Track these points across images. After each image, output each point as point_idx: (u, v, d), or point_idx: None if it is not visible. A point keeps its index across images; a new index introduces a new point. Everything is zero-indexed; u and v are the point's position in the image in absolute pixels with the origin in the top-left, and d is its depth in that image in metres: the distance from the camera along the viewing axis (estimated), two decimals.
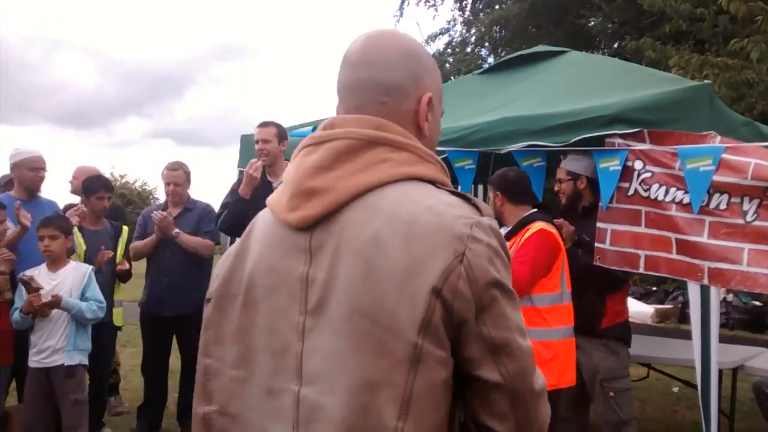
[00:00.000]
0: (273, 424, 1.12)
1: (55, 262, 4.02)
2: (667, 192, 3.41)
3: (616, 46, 13.02)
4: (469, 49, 15.87)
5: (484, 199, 7.35)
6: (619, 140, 3.54)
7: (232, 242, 5.10)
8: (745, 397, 5.46)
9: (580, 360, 3.56)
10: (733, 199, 3.20)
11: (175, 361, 5.34)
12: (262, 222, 1.25)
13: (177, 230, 4.89)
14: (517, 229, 3.39)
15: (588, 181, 3.73)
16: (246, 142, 5.08)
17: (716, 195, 3.24)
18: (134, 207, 26.11)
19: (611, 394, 3.70)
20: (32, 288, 3.83)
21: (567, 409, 3.72)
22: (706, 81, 4.37)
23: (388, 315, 1.03)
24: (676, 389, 6.21)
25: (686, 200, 3.31)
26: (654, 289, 12.24)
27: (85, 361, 3.99)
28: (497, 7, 14.83)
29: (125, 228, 4.99)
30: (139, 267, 5.15)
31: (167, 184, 5.06)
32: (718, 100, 3.75)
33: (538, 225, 3.30)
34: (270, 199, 1.24)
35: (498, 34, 14.73)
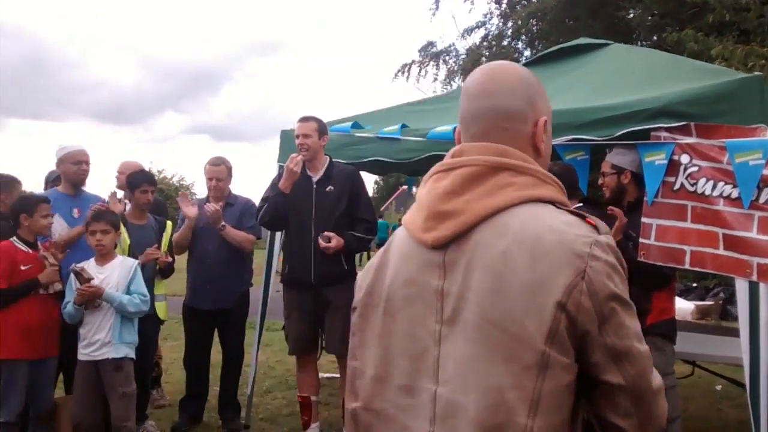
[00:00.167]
0: (412, 419, 1.26)
1: (103, 256, 4.09)
2: (714, 186, 3.34)
3: (655, 38, 12.79)
4: (505, 43, 15.71)
5: None
6: (665, 134, 3.48)
7: (271, 236, 5.16)
8: None
9: None
10: None
11: (215, 354, 5.42)
12: (398, 239, 1.39)
13: (223, 223, 4.96)
14: None
15: (632, 175, 3.67)
16: (286, 137, 5.12)
17: (766, 189, 3.17)
18: (172, 202, 26.41)
19: None
20: (83, 279, 3.91)
21: None
22: (756, 73, 4.26)
23: (516, 325, 1.17)
24: (719, 387, 6.10)
25: (734, 195, 3.24)
26: (694, 285, 12.04)
27: (132, 354, 4.06)
28: None
29: (169, 223, 5.06)
30: (181, 261, 5.23)
31: (209, 179, 5.13)
32: None
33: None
34: (405, 219, 1.38)
35: (535, 27, 14.56)
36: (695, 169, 3.40)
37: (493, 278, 1.20)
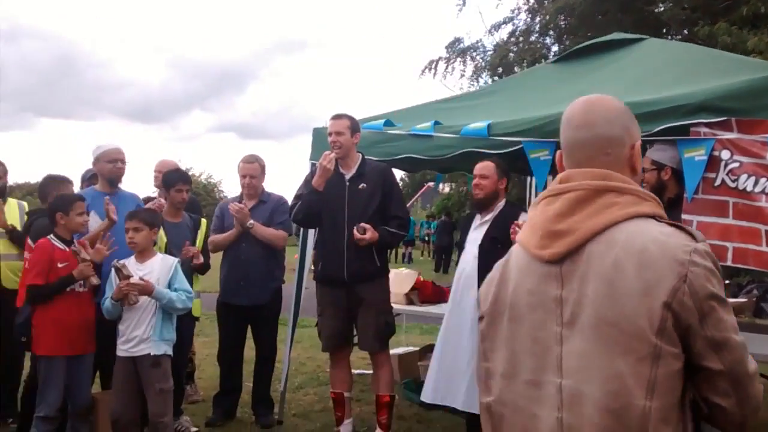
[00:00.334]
0: (540, 408, 1.49)
1: (142, 254, 4.13)
2: (756, 182, 3.28)
3: (686, 32, 12.61)
4: (533, 39, 15.59)
5: None
6: (705, 129, 3.42)
7: (304, 233, 5.18)
8: None
9: None
10: None
11: (247, 351, 5.45)
12: (515, 255, 1.61)
13: (252, 221, 4.99)
14: None
15: (673, 172, 3.61)
16: (318, 134, 5.13)
17: None
18: (200, 200, 26.63)
19: None
20: (123, 275, 3.96)
21: None
22: None
23: (631, 324, 1.38)
24: None
25: None
26: (727, 282, 11.84)
27: (170, 352, 4.09)
28: None
29: (204, 221, 5.10)
30: (214, 259, 5.27)
31: (243, 176, 5.16)
32: None
33: None
34: (520, 239, 1.60)
35: (563, 22, 14.43)
36: (736, 165, 3.34)
37: (607, 285, 1.41)
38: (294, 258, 5.71)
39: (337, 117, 4.56)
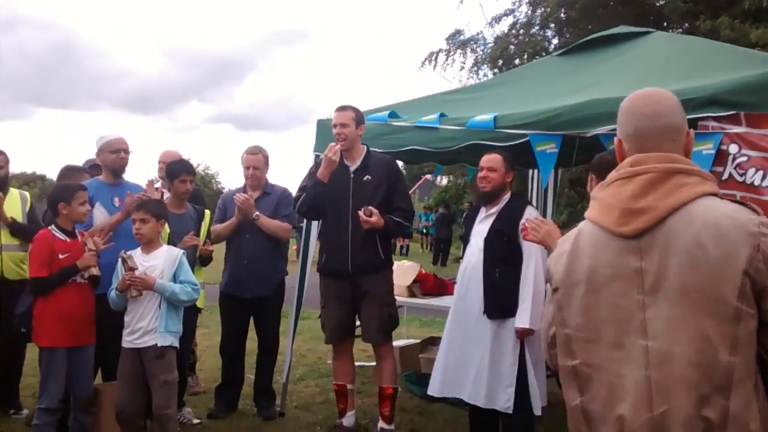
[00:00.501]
0: (625, 367, 1.67)
1: (148, 245, 4.10)
2: (764, 176, 3.26)
3: (686, 26, 12.58)
4: (533, 31, 15.54)
5: (560, 182, 7.24)
6: (713, 123, 3.40)
7: (307, 226, 5.16)
8: None
9: None
10: None
11: (248, 343, 5.44)
12: (588, 231, 1.79)
13: (257, 213, 4.97)
14: None
15: None
16: (322, 126, 5.10)
17: None
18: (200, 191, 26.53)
19: None
20: (128, 266, 3.95)
21: None
22: None
23: (713, 290, 1.58)
24: None
25: None
26: None
27: (176, 343, 4.06)
28: None
29: (207, 212, 5.07)
30: (218, 251, 5.25)
31: (246, 168, 5.14)
32: None
33: None
34: (592, 216, 1.78)
35: (564, 15, 14.38)
36: (744, 159, 3.32)
37: (690, 258, 1.60)
38: (292, 250, 5.69)
39: (341, 109, 4.55)
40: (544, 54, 14.09)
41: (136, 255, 4.06)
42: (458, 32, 17.29)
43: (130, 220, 4.16)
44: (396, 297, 4.85)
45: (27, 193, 5.27)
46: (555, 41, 15.17)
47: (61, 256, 4.02)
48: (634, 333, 1.66)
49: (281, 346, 5.45)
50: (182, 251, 4.20)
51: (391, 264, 4.75)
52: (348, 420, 4.73)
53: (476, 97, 4.96)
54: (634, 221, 1.67)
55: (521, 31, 15.70)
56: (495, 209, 4.11)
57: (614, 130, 3.60)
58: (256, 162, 5.14)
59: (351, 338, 4.78)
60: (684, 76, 3.76)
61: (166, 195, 4.87)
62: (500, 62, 15.18)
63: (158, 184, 5.08)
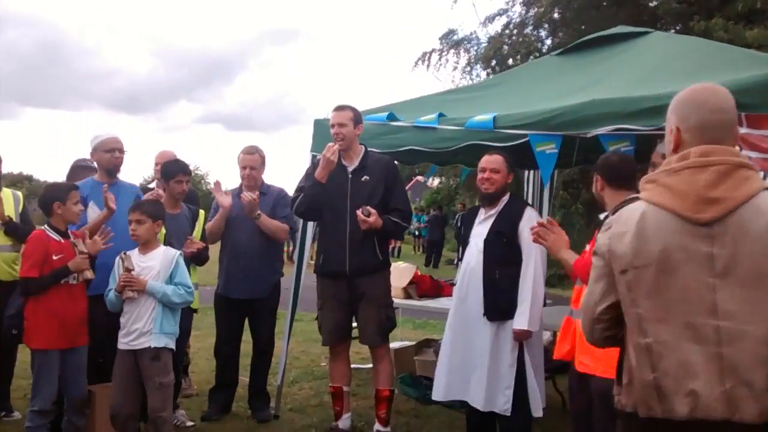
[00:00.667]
0: (695, 344, 1.79)
1: (145, 246, 4.05)
2: (765, 177, 3.25)
3: (679, 27, 12.61)
4: (527, 31, 15.54)
5: (555, 183, 7.21)
6: None
7: (304, 227, 5.12)
8: None
9: None
10: None
11: (243, 345, 5.39)
12: (654, 215, 1.86)
13: (259, 212, 4.92)
14: (612, 213, 3.28)
15: None
16: (320, 126, 5.06)
17: None
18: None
19: None
20: (125, 267, 3.90)
21: None
22: None
23: None
24: None
25: None
26: None
27: (172, 345, 4.01)
28: None
29: (202, 212, 5.03)
30: (213, 252, 5.19)
31: (243, 168, 5.09)
32: None
33: None
34: (662, 201, 1.86)
35: (558, 15, 14.40)
36: None
37: (762, 244, 1.76)
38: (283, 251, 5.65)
39: (339, 108, 4.51)
40: (537, 54, 14.11)
41: (134, 255, 4.01)
42: (452, 32, 17.32)
43: (126, 221, 4.10)
44: (392, 298, 4.81)
45: (19, 193, 5.20)
46: (548, 42, 15.18)
47: (54, 257, 3.96)
48: (704, 313, 1.79)
49: (276, 348, 5.40)
50: (179, 252, 4.16)
51: (389, 265, 4.72)
52: (344, 422, 4.69)
53: (475, 97, 4.94)
54: (709, 209, 1.80)
55: (515, 31, 15.70)
56: (494, 210, 4.08)
57: (615, 130, 3.63)
58: (253, 162, 5.09)
59: (348, 340, 4.74)
60: (684, 77, 3.74)
61: (161, 194, 4.82)
62: (493, 62, 15.20)
63: (153, 184, 5.02)
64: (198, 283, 5.06)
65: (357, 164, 4.51)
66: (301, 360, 7.17)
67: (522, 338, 3.91)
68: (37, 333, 3.94)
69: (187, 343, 5.27)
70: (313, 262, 4.87)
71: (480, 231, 4.08)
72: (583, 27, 13.05)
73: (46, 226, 4.05)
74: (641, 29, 4.89)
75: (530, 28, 15.62)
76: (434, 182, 30.57)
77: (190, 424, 4.92)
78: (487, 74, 15.54)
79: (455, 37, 17.18)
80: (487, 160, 4.06)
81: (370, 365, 6.27)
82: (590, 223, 11.49)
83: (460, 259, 4.29)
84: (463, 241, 4.29)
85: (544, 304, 4.15)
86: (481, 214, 4.16)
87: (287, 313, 5.25)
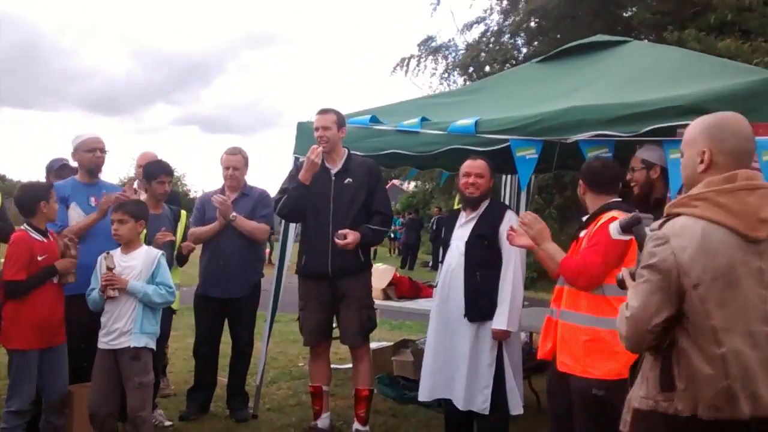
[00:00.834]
0: (753, 351, 2.00)
1: (127, 245, 4.04)
2: None
3: (653, 37, 12.83)
4: (504, 39, 15.70)
5: (530, 189, 7.31)
6: None
7: (285, 228, 5.14)
8: None
9: None
10: None
11: (223, 346, 5.39)
12: (715, 232, 2.02)
13: (234, 214, 4.94)
14: (593, 217, 3.36)
15: (662, 171, 3.68)
16: (303, 129, 5.08)
17: None
18: None
19: None
20: (106, 266, 3.89)
21: None
22: None
23: None
24: None
25: None
26: None
27: (152, 345, 4.00)
28: None
29: (183, 212, 5.03)
30: (194, 253, 5.18)
31: (226, 168, 5.10)
32: None
33: (612, 214, 3.25)
34: (721, 219, 2.01)
35: (535, 24, 14.57)
36: None
37: None
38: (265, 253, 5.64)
39: (323, 112, 4.54)
40: (514, 62, 14.26)
41: (116, 255, 4.01)
42: (430, 38, 17.44)
43: (109, 220, 4.10)
44: (373, 299, 4.85)
45: None
46: (525, 50, 15.34)
47: (39, 258, 3.93)
48: (760, 321, 2.01)
49: (254, 349, 5.40)
50: (161, 252, 4.15)
51: (370, 266, 4.76)
52: (323, 422, 4.72)
53: (457, 102, 4.99)
54: (764, 228, 2.01)
55: (492, 39, 15.85)
56: (475, 214, 4.14)
57: (595, 136, 3.71)
58: (236, 162, 5.11)
59: (329, 340, 4.77)
60: (663, 85, 3.84)
61: (143, 196, 4.81)
62: (471, 69, 15.32)
63: (135, 184, 5.01)
64: (179, 283, 5.06)
65: (340, 167, 4.55)
66: (278, 360, 7.17)
67: (501, 338, 3.97)
68: (17, 333, 3.90)
69: (166, 343, 5.26)
70: (290, 264, 4.90)
71: (461, 234, 4.14)
72: (559, 36, 13.24)
73: (26, 225, 3.99)
74: (621, 38, 4.99)
75: (507, 36, 15.79)
76: (410, 186, 30.65)
77: (168, 423, 4.91)
78: (464, 81, 15.68)
79: (433, 44, 17.32)
80: (472, 165, 4.12)
81: (347, 365, 6.32)
82: (563, 228, 11.66)
83: (441, 261, 4.34)
84: (443, 244, 4.34)
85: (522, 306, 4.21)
86: (462, 217, 4.22)
87: (267, 314, 5.26)
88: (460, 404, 4.03)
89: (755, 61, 7.68)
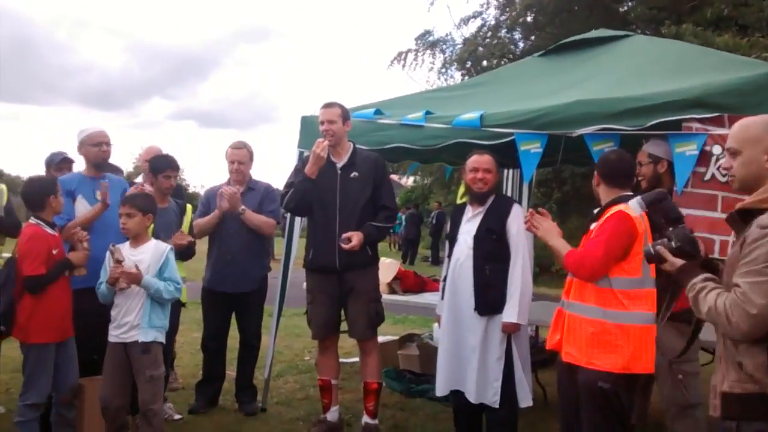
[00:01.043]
0: None
1: (135, 239, 4.06)
2: None
3: (649, 32, 12.86)
4: (501, 34, 15.72)
5: (531, 184, 7.33)
6: (697, 125, 3.53)
7: (291, 223, 5.17)
8: None
9: None
10: None
11: (230, 340, 5.42)
12: None
13: (243, 207, 4.96)
14: (603, 209, 3.39)
15: (669, 165, 3.72)
16: (307, 123, 5.10)
17: None
18: None
19: (680, 376, 3.71)
20: (115, 259, 3.92)
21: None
22: None
23: None
24: None
25: None
26: None
27: (161, 339, 4.03)
28: None
29: (189, 206, 5.05)
30: (201, 246, 5.22)
31: (231, 162, 5.13)
32: None
33: (620, 207, 3.29)
34: None
35: (532, 19, 14.59)
36: None
37: None
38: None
39: (328, 105, 4.56)
40: (511, 57, 14.29)
41: (125, 249, 4.02)
42: (427, 33, 17.45)
43: (116, 214, 4.12)
44: (380, 293, 4.88)
45: (3, 186, 5.15)
46: (522, 45, 15.37)
47: (54, 252, 3.96)
48: None
49: (261, 343, 5.44)
50: (170, 247, 4.17)
51: (378, 260, 4.79)
52: (332, 415, 4.75)
53: (461, 96, 5.02)
54: None
55: (489, 34, 15.86)
56: (482, 208, 4.17)
57: (600, 130, 3.75)
58: (241, 156, 5.13)
59: (337, 334, 4.80)
60: (668, 78, 3.88)
61: (148, 189, 4.83)
62: (468, 64, 15.34)
63: (140, 178, 5.03)
64: (186, 277, 5.08)
65: (346, 161, 4.57)
66: (284, 354, 7.20)
67: (511, 331, 4.00)
68: (36, 328, 3.92)
69: (174, 337, 5.29)
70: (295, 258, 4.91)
71: (469, 228, 4.17)
72: (555, 31, 13.27)
73: (37, 220, 4.00)
74: (622, 32, 5.03)
75: (504, 31, 15.80)
76: (408, 181, 30.68)
77: (178, 417, 4.95)
78: (462, 75, 15.70)
79: (431, 38, 17.33)
80: (479, 161, 4.13)
81: (353, 359, 6.37)
82: (563, 222, 11.70)
83: (448, 256, 4.36)
84: (450, 238, 4.37)
85: None
86: (469, 211, 4.24)
87: (274, 308, 5.29)
88: (472, 397, 4.06)
89: (753, 57, 7.71)
